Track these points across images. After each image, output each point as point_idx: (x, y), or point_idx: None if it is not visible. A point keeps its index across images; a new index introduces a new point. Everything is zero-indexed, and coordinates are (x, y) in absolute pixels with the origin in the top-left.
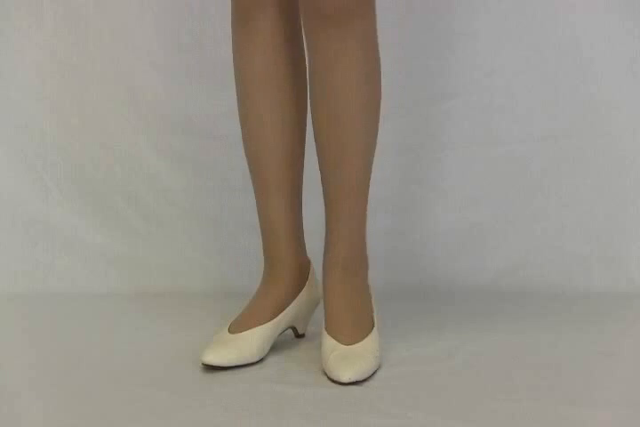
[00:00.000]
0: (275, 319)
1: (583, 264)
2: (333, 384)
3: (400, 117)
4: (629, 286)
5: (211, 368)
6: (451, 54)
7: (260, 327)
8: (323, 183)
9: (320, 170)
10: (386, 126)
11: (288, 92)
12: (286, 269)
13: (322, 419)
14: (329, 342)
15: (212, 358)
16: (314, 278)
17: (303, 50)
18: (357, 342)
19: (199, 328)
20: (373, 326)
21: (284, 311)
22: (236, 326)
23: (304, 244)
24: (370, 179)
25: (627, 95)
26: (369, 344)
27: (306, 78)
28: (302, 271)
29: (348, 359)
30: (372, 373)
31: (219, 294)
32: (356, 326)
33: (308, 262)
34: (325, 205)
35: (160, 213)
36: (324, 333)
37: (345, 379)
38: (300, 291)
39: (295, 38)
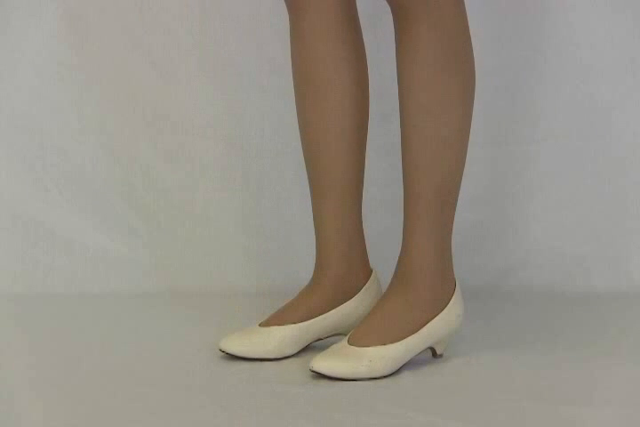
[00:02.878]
0: (302, 323)
1: (583, 264)
2: (333, 384)
3: None
4: (629, 285)
5: (227, 355)
6: None
7: (280, 327)
8: (406, 186)
9: (405, 169)
10: (386, 127)
11: (346, 93)
12: (330, 276)
13: (322, 419)
14: (342, 340)
15: (226, 345)
16: (374, 291)
17: (362, 47)
18: (365, 346)
19: (199, 328)
20: (399, 341)
21: (319, 317)
22: (266, 321)
23: (361, 253)
24: (452, 202)
25: (627, 95)
26: (376, 353)
27: (367, 78)
28: (352, 281)
29: (334, 354)
30: (349, 375)
31: (219, 294)
32: (376, 332)
33: (367, 273)
34: (405, 210)
35: (160, 213)
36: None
37: (311, 366)
38: (345, 301)
39: (352, 34)
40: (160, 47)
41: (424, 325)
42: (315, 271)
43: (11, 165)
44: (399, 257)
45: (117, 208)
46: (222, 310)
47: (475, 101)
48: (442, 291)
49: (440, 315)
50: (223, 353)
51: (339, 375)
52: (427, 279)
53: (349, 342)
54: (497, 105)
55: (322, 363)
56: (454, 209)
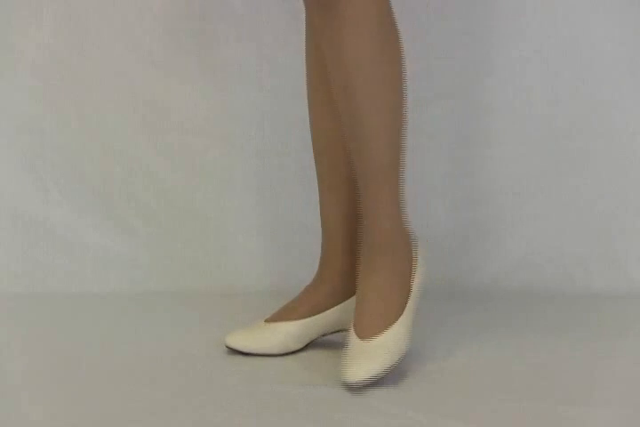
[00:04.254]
0: (305, 319)
1: (583, 264)
2: (333, 384)
3: None
4: (629, 285)
5: (229, 352)
6: (451, 54)
7: (284, 323)
8: (354, 167)
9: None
10: None
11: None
12: (333, 273)
13: (322, 419)
14: (350, 335)
15: (231, 340)
16: None
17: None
18: (376, 335)
19: (199, 328)
20: (401, 315)
21: (322, 314)
22: (271, 317)
23: None
24: (401, 161)
25: (627, 95)
26: (388, 337)
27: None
28: (355, 277)
29: (356, 359)
30: (382, 370)
31: (219, 294)
32: (379, 317)
33: None
34: (359, 191)
35: (160, 213)
36: (351, 325)
37: (351, 380)
38: (350, 297)
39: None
40: (160, 47)
41: (410, 286)
42: (319, 267)
43: (11, 165)
44: (367, 229)
45: (117, 208)
46: (222, 310)
47: (474, 102)
48: (409, 247)
49: (418, 271)
50: (228, 349)
51: (377, 375)
52: (399, 243)
53: (360, 338)
54: (497, 105)
55: (357, 372)
56: (404, 166)
